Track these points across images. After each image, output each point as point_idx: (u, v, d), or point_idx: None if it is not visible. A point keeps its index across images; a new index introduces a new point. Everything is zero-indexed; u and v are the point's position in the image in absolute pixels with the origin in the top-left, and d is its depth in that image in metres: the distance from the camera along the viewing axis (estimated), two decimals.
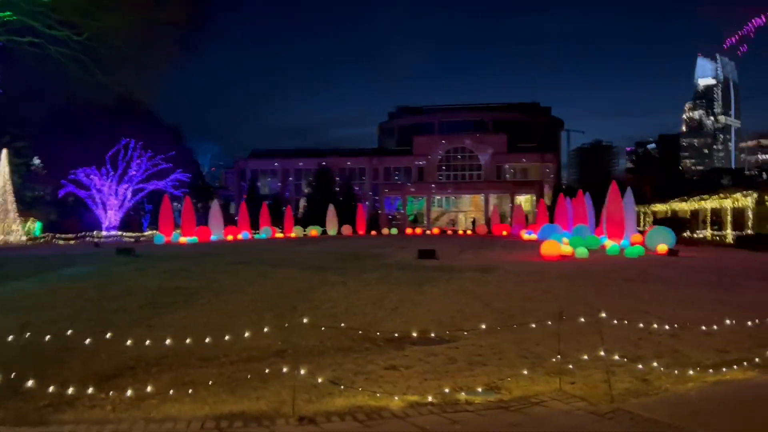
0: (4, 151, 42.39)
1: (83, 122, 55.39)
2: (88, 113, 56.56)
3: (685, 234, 40.53)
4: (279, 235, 49.35)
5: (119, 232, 51.94)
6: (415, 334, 8.71)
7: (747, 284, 13.93)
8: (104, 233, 51.81)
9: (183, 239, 36.05)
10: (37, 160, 61.00)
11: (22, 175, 59.04)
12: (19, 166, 59.12)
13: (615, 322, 7.49)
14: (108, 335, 8.23)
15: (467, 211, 74.10)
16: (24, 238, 41.59)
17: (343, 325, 8.97)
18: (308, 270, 15.93)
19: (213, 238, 41.83)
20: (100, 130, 54.59)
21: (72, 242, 38.76)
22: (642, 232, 33.13)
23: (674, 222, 43.67)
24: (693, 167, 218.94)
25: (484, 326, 8.12)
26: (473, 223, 66.45)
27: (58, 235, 44.89)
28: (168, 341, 7.06)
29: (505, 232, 53.29)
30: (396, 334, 8.58)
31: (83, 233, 46.73)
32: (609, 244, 24.99)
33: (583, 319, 7.15)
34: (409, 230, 60.07)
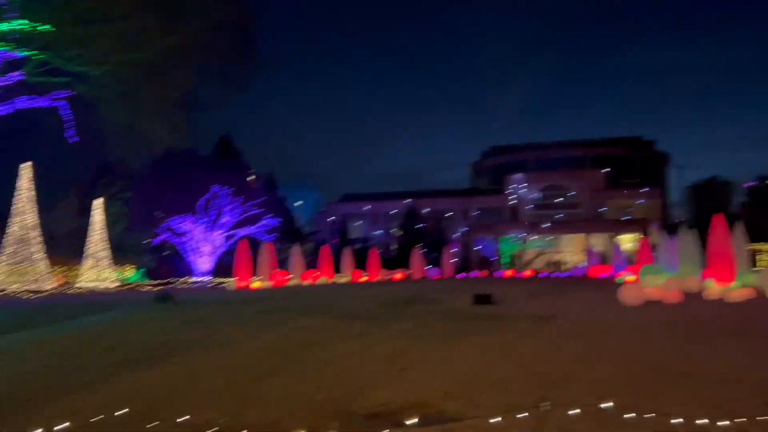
0: (100, 200, 44.32)
1: (179, 172, 57.51)
2: (184, 163, 58.79)
3: None
4: (363, 278, 48.13)
5: (209, 278, 52.69)
6: (408, 409, 6.89)
7: None
8: (196, 279, 52.81)
9: (256, 284, 35.54)
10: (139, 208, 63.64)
11: (125, 224, 61.97)
12: (124, 215, 62.16)
13: (630, 415, 5.25)
14: (30, 405, 6.91)
15: (565, 251, 70.15)
16: (115, 284, 42.83)
17: (324, 395, 7.18)
18: (336, 319, 14.28)
19: (293, 282, 41.31)
20: (195, 179, 56.32)
21: (154, 288, 39.19)
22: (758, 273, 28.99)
23: None
24: None
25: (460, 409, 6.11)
26: (557, 264, 62.54)
27: (147, 282, 46.04)
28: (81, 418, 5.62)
29: (603, 274, 49.35)
30: (383, 408, 6.77)
31: (170, 280, 47.60)
32: (712, 286, 21.63)
33: (575, 411, 4.97)
34: (500, 273, 57.24)
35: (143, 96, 21.60)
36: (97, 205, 43.60)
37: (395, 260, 63.75)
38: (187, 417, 5.90)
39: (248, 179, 66.79)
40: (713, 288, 21.02)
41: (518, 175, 76.01)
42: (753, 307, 17.06)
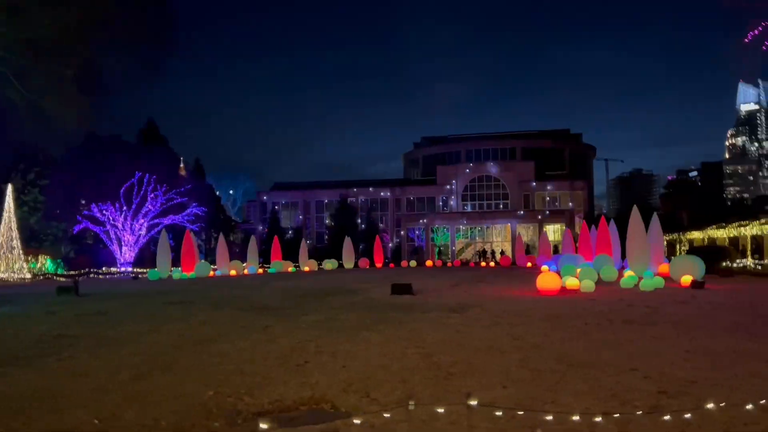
0: (9, 187, 41.82)
1: (102, 158, 55.22)
2: (107, 149, 56.33)
3: (723, 264, 37.26)
4: (291, 269, 47.38)
5: (130, 269, 50.74)
6: (302, 405, 6.57)
7: None
8: (117, 269, 50.75)
9: (178, 275, 34.38)
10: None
11: (42, 212, 58.84)
12: (41, 203, 59.00)
13: (501, 413, 5.10)
14: None
15: (495, 241, 71.27)
16: (28, 275, 40.61)
17: (211, 393, 6.74)
18: (246, 311, 13.79)
19: (218, 273, 40.23)
20: (118, 166, 54.12)
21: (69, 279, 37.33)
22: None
23: (711, 251, 40.34)
24: (738, 195, 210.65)
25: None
26: (482, 254, 63.38)
27: (64, 273, 43.88)
28: None
29: (530, 264, 50.27)
30: (274, 406, 6.42)
31: (89, 270, 45.55)
32: (628, 275, 22.21)
33: (440, 410, 4.77)
34: (429, 262, 57.52)
35: (44, 75, 20.09)
36: (9, 191, 41.08)
37: (327, 250, 63.25)
38: None
39: (179, 167, 64.75)
40: (628, 277, 21.54)
41: (450, 166, 76.69)
42: (663, 295, 17.54)
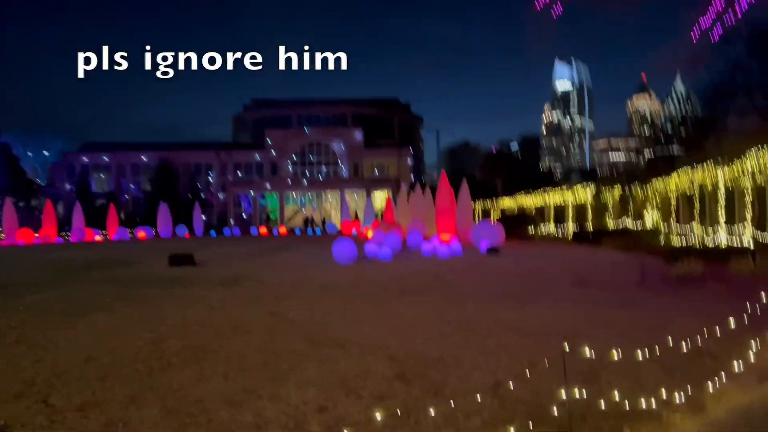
0: None
1: None
2: None
3: (529, 229, 39.58)
4: (98, 238, 43.31)
5: None
6: None
7: (552, 293, 11.25)
8: None
9: None
10: None
11: None
12: None
13: None
14: None
15: (324, 208, 70.86)
16: None
17: None
18: None
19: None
20: None
21: None
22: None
23: (519, 217, 42.72)
24: (552, 166, 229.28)
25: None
26: (306, 222, 62.90)
27: None
28: None
29: (354, 231, 50.32)
30: None
31: None
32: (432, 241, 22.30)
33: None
34: (264, 230, 55.64)
35: None
36: None
37: (143, 217, 59.06)
38: None
39: None
40: (431, 243, 21.60)
41: (279, 130, 74.66)
42: (455, 263, 17.54)
